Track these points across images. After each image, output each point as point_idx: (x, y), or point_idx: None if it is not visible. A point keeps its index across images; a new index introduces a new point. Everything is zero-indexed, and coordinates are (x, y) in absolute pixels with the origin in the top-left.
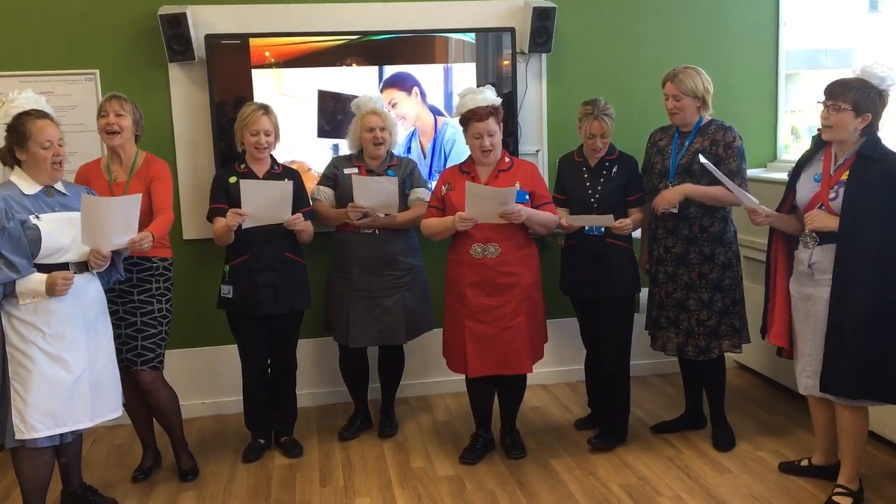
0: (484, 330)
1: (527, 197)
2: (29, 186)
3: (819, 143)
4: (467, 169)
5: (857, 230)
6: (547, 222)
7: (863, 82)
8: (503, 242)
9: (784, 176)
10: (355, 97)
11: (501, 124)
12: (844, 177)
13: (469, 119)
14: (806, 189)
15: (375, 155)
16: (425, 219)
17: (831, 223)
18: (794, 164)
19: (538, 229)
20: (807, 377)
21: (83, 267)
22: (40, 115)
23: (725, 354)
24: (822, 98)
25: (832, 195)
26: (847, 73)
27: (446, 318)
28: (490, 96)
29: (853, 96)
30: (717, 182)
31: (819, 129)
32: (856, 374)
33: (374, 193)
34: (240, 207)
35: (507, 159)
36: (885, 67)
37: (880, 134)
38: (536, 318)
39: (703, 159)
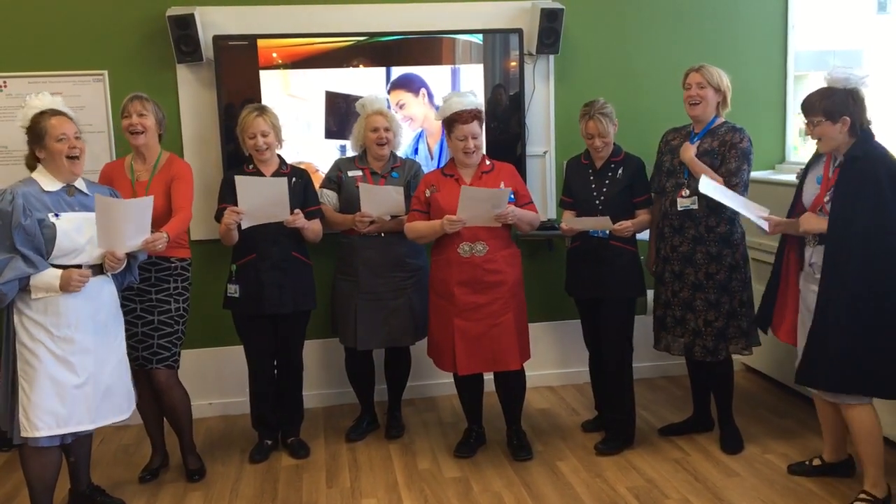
0: (472, 327)
1: (512, 195)
2: (50, 184)
3: None
4: (450, 172)
5: (841, 231)
6: (532, 220)
7: (828, 90)
8: (490, 241)
9: (793, 178)
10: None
11: (483, 127)
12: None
13: (454, 122)
14: (810, 192)
15: (379, 155)
16: (408, 222)
17: (821, 225)
18: (802, 166)
19: (525, 227)
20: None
21: (98, 269)
22: (56, 112)
23: (733, 357)
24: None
25: (827, 198)
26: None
27: (432, 318)
28: (474, 100)
29: (823, 106)
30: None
31: None
32: (833, 368)
33: (380, 202)
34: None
35: (487, 162)
36: (845, 69)
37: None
38: (522, 316)
39: (702, 187)
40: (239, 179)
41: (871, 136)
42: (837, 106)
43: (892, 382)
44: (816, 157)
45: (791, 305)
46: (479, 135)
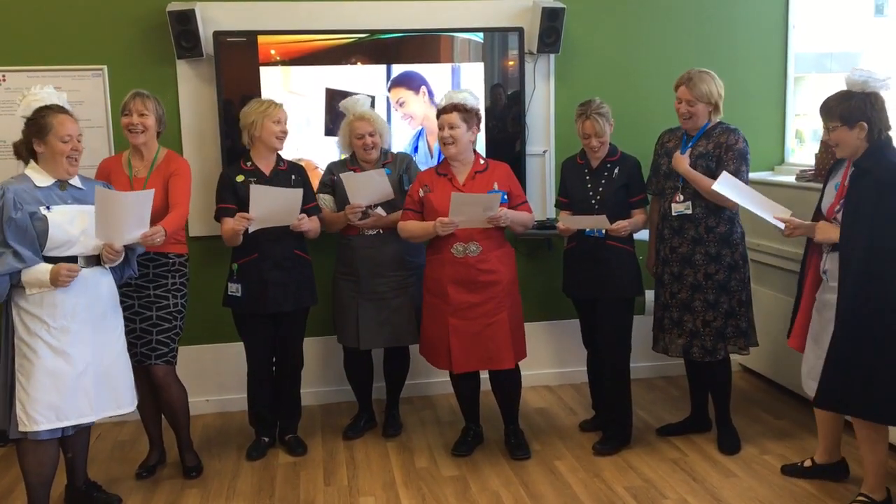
0: (467, 326)
1: (505, 197)
2: (42, 180)
3: None
4: (443, 171)
5: (848, 242)
6: (526, 222)
7: (846, 94)
8: (484, 241)
9: (792, 179)
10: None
11: (474, 127)
12: None
13: (439, 114)
14: (827, 198)
15: (368, 159)
16: (402, 221)
17: (833, 235)
18: (801, 168)
19: (518, 229)
20: (812, 380)
21: (94, 261)
22: (61, 110)
23: (731, 358)
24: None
25: (838, 206)
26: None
27: (426, 317)
28: (462, 94)
29: (839, 111)
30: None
31: None
32: (854, 390)
33: (365, 188)
34: (248, 208)
35: (481, 161)
36: (864, 71)
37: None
38: (517, 315)
39: (717, 188)
40: (254, 188)
41: (886, 144)
42: (854, 111)
43: None
44: (839, 162)
45: (803, 311)
46: (457, 126)
